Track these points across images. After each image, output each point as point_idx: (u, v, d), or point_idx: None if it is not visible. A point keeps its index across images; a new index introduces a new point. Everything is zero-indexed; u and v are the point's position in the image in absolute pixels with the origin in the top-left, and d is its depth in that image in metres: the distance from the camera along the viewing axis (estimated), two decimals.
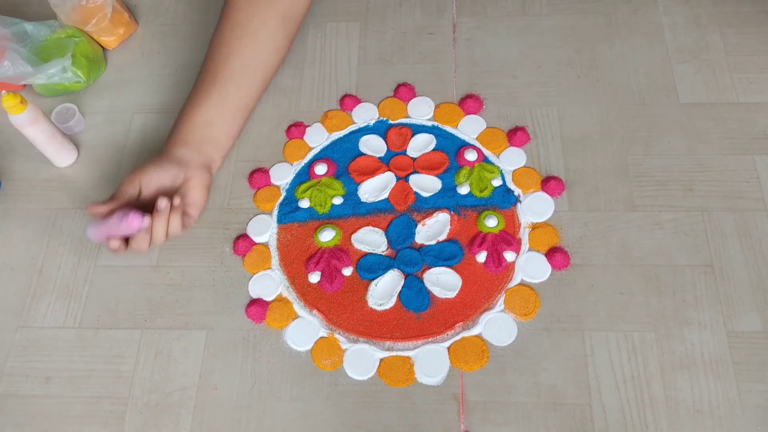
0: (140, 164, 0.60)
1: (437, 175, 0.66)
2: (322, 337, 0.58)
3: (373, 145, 0.68)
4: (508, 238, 0.61)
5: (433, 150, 0.67)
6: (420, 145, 0.68)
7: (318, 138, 0.70)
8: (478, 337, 0.57)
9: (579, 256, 0.60)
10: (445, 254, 0.61)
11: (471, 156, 0.66)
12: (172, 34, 0.80)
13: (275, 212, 0.65)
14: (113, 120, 0.73)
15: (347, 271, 0.61)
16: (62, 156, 0.69)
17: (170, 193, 0.59)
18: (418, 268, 0.61)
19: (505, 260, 0.60)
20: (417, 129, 0.69)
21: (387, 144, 0.68)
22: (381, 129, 0.69)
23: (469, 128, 0.68)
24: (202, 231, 0.65)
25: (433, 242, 0.62)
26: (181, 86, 0.75)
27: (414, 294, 0.59)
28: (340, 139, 0.69)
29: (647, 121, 0.67)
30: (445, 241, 0.62)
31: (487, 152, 0.67)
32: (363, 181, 0.66)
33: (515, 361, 0.56)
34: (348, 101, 0.72)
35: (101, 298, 0.62)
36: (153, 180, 0.59)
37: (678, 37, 0.73)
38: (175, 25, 0.80)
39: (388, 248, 0.62)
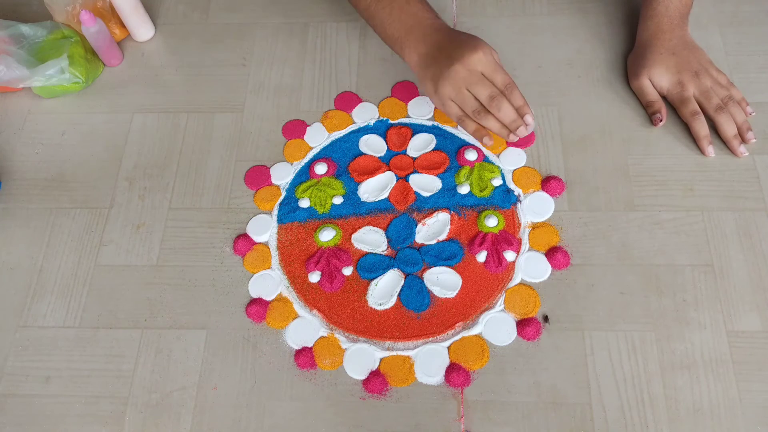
0: None
1: (437, 175, 0.66)
2: (322, 337, 0.58)
3: (373, 145, 0.68)
4: (508, 238, 0.61)
5: (433, 150, 0.67)
6: (420, 144, 0.68)
7: (318, 137, 0.70)
8: (478, 336, 0.57)
9: (579, 255, 0.60)
10: (445, 254, 0.61)
11: (471, 156, 0.66)
12: (172, 34, 0.80)
13: (275, 212, 0.65)
14: (113, 120, 0.73)
15: (347, 271, 0.61)
16: (141, 30, 0.78)
17: None
18: (418, 267, 0.61)
19: (505, 260, 0.60)
20: (417, 129, 0.69)
21: (387, 144, 0.68)
22: (381, 129, 0.69)
23: None
24: (202, 231, 0.65)
25: (433, 242, 0.62)
26: (181, 86, 0.75)
27: (414, 294, 0.59)
28: (340, 139, 0.69)
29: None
30: (445, 240, 0.62)
31: (487, 152, 0.67)
32: (363, 180, 0.66)
33: (515, 361, 0.56)
34: (343, 99, 0.72)
35: (101, 298, 0.62)
36: None
37: None
38: (175, 24, 0.80)
39: (388, 248, 0.62)
